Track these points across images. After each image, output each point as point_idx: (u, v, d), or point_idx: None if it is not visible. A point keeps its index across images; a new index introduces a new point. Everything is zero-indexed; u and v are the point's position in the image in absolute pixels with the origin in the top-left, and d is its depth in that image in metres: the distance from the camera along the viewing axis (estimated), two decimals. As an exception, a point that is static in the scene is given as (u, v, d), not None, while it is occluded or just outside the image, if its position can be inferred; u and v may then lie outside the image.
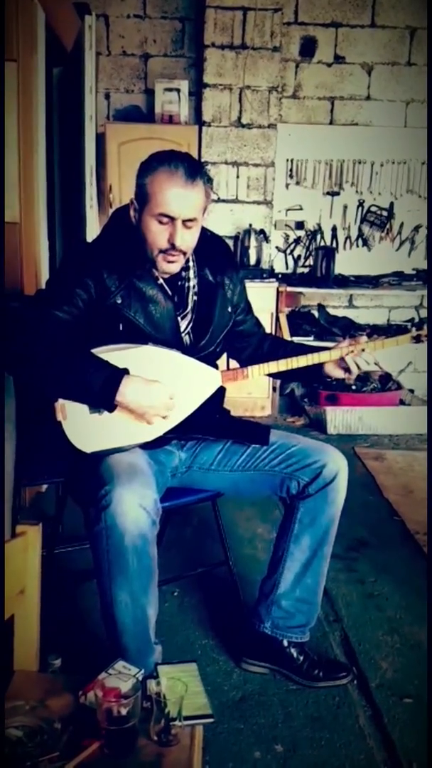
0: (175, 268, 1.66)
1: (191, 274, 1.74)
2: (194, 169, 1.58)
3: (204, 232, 1.77)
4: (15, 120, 2.48)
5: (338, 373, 1.82)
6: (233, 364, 1.96)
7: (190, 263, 1.73)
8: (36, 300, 1.69)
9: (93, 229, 4.03)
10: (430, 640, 2.00)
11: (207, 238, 1.79)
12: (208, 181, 1.64)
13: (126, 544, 1.47)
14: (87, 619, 2.01)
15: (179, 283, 1.73)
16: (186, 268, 1.73)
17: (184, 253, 1.64)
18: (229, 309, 1.81)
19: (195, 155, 4.17)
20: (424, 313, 4.61)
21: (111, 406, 1.55)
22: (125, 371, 1.55)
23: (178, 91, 4.14)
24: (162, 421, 1.64)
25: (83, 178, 3.92)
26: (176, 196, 1.55)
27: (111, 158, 4.05)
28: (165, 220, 1.58)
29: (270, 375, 1.83)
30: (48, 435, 1.66)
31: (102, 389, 1.53)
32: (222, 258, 1.83)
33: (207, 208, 1.66)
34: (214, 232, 1.86)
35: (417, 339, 1.81)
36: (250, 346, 1.94)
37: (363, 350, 1.78)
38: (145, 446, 1.67)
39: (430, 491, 2.92)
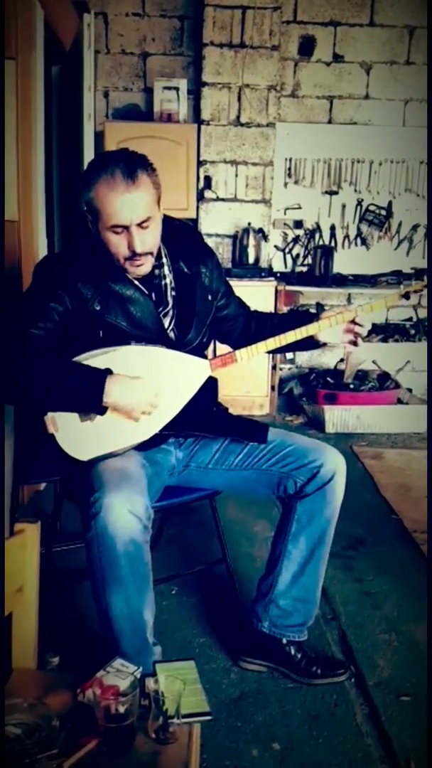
0: (145, 270, 1.63)
1: (166, 270, 1.70)
2: (132, 167, 1.51)
3: (171, 222, 1.72)
4: (14, 118, 2.47)
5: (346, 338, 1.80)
6: (221, 348, 1.90)
7: (163, 259, 1.70)
8: (10, 320, 1.61)
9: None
10: (430, 638, 2.01)
11: (176, 227, 1.75)
12: (153, 170, 1.57)
13: (118, 550, 1.46)
14: (85, 617, 2.01)
15: (155, 281, 1.69)
16: (159, 265, 1.69)
17: (151, 253, 1.61)
18: (209, 297, 1.78)
19: (194, 154, 4.18)
20: (422, 312, 4.61)
21: (101, 409, 1.54)
22: (108, 371, 1.53)
23: (176, 89, 4.14)
24: (156, 417, 1.63)
25: (82, 176, 3.91)
26: (121, 203, 1.50)
27: (110, 157, 4.03)
28: (119, 229, 1.54)
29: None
30: (46, 433, 1.66)
31: (88, 394, 1.52)
32: (194, 246, 1.79)
33: (161, 198, 1.60)
34: (180, 220, 1.80)
35: (406, 296, 1.79)
36: (238, 327, 1.91)
37: (354, 325, 1.77)
38: (142, 446, 1.67)
39: (430, 490, 2.92)
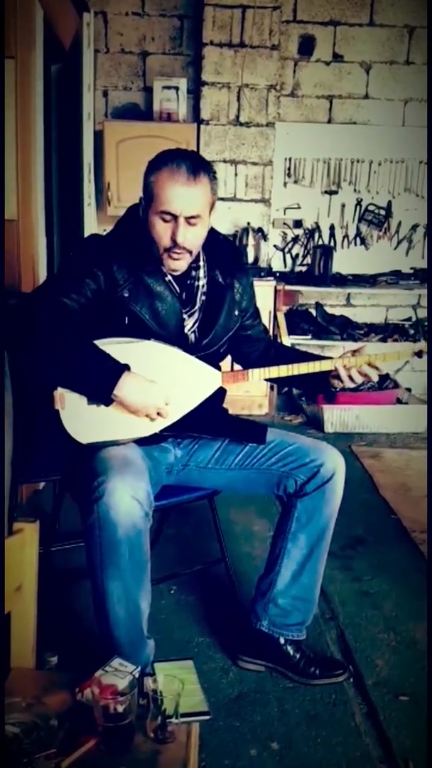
0: (180, 265, 1.67)
1: (201, 273, 1.74)
2: (197, 166, 1.58)
3: (216, 234, 1.79)
4: (13, 117, 2.47)
5: (338, 384, 1.82)
6: (237, 368, 1.96)
7: (201, 262, 1.74)
8: (45, 286, 1.70)
9: (91, 227, 4.03)
10: (429, 638, 2.01)
11: (219, 240, 1.81)
12: (215, 178, 1.64)
13: (118, 535, 1.47)
14: (84, 617, 2.01)
15: (188, 281, 1.73)
16: (196, 267, 1.73)
17: (190, 252, 1.65)
18: (237, 312, 1.81)
19: (193, 153, 4.17)
20: (421, 312, 4.61)
21: (108, 400, 1.56)
22: (126, 367, 1.56)
23: (176, 89, 4.14)
24: (159, 417, 1.64)
25: (81, 175, 3.92)
26: (177, 193, 1.56)
27: (109, 156, 4.04)
28: (168, 217, 1.59)
29: (271, 380, 1.84)
30: (45, 431, 1.66)
31: (101, 381, 1.54)
32: (233, 261, 1.83)
33: (214, 207, 1.66)
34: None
35: (419, 354, 1.83)
36: (257, 351, 1.94)
37: (368, 363, 1.77)
38: (141, 442, 1.67)
39: (430, 490, 2.92)
